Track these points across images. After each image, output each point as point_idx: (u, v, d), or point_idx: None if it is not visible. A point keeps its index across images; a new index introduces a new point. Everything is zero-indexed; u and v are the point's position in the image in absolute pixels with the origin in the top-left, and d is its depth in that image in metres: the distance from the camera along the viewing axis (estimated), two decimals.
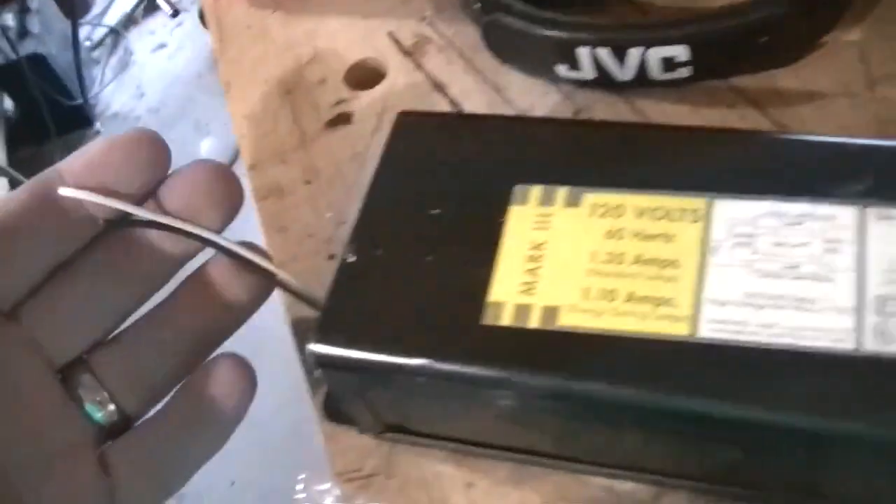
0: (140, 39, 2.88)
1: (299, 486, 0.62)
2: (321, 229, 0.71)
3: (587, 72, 0.71)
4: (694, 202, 0.55)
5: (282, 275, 0.62)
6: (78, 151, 0.47)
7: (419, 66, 0.78)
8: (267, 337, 2.12)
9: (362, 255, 0.57)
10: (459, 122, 0.65)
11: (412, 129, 0.62)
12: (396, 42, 0.80)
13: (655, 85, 0.71)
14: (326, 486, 0.61)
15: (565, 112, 0.73)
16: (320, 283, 0.65)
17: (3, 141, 2.46)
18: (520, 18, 0.71)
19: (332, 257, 0.70)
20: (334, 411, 0.64)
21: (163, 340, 0.52)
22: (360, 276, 0.56)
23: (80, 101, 2.59)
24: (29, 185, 0.47)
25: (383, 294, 0.56)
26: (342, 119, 0.77)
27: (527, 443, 0.58)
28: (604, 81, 0.72)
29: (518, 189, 0.57)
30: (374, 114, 0.76)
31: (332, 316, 0.56)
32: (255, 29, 0.85)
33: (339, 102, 0.78)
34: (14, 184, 2.35)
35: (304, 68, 0.81)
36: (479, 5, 0.74)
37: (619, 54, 0.70)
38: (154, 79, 2.76)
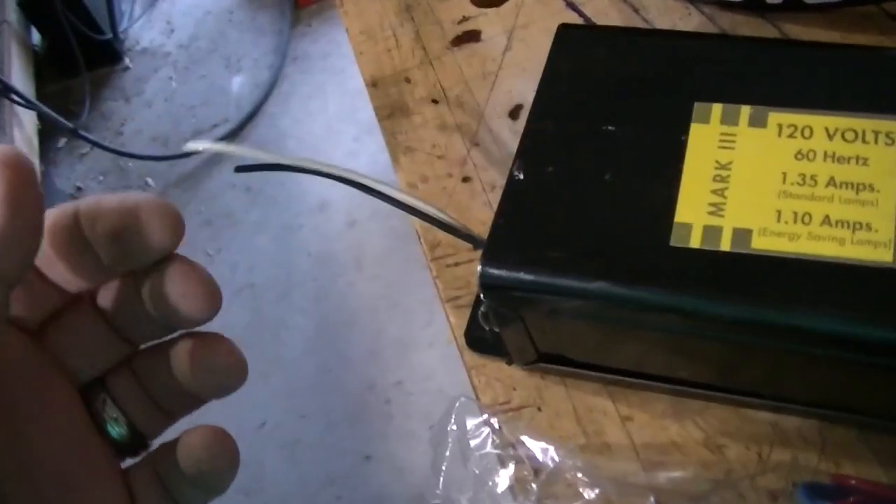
0: None
1: (450, 419, 0.59)
2: (452, 150, 0.68)
3: None
4: (888, 124, 0.51)
5: (412, 201, 0.58)
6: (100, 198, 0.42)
7: None
8: (295, 277, 2.11)
9: (531, 172, 0.53)
10: (626, 37, 0.61)
11: (575, 42, 0.59)
12: None
13: (805, 9, 0.67)
14: (477, 419, 0.58)
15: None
16: (455, 206, 0.62)
17: (31, 75, 2.42)
18: None
19: (466, 180, 0.66)
20: (479, 342, 0.61)
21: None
22: (530, 194, 0.53)
23: (109, 35, 2.53)
24: (56, 212, 0.43)
25: (557, 213, 0.52)
26: (469, 37, 0.73)
27: (691, 374, 0.55)
28: (752, 3, 0.68)
29: (698, 107, 0.54)
30: (504, 32, 0.72)
31: (501, 236, 0.52)
32: None
33: (464, 20, 0.74)
34: (42, 118, 2.32)
35: None
36: None
37: None
38: (184, 14, 2.70)
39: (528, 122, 0.56)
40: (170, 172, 2.39)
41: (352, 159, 2.24)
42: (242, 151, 0.59)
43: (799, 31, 0.68)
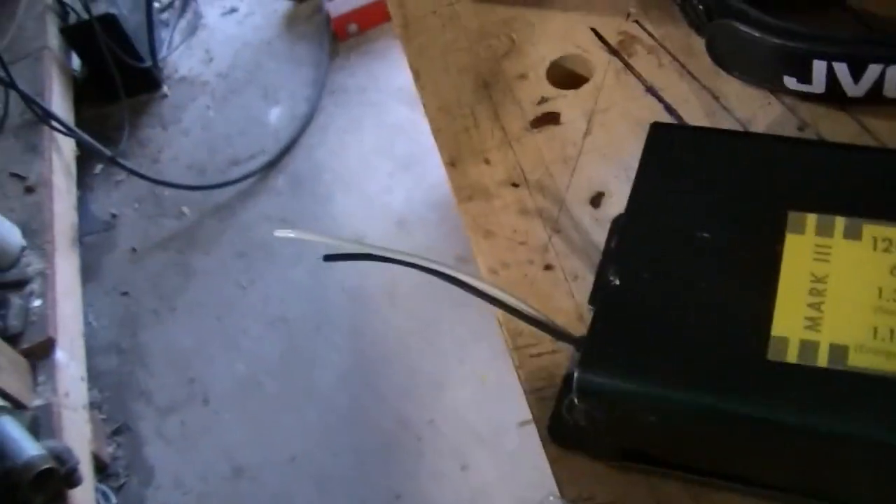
0: (210, 3, 2.84)
1: None
2: (533, 236, 0.68)
3: (817, 85, 0.68)
4: None
5: (495, 292, 0.58)
6: None
7: (627, 67, 0.74)
8: (330, 311, 2.11)
9: (627, 278, 0.54)
10: (719, 139, 0.62)
11: (667, 142, 0.59)
12: (600, 39, 0.76)
13: (887, 103, 0.68)
14: None
15: (788, 125, 0.69)
16: (537, 295, 0.62)
17: (71, 101, 2.43)
18: (753, 26, 0.68)
19: (548, 268, 0.66)
20: (563, 435, 0.61)
21: None
22: (627, 300, 0.53)
23: (148, 63, 2.55)
24: None
25: (653, 321, 0.52)
26: (549, 119, 0.73)
27: (781, 481, 0.55)
28: (832, 96, 0.69)
29: (793, 216, 0.54)
30: (583, 114, 0.73)
31: (599, 342, 0.52)
32: (442, 15, 0.81)
33: (543, 101, 0.75)
34: (80, 144, 2.33)
35: (501, 61, 0.77)
36: (702, 8, 0.71)
37: (857, 69, 0.66)
38: (223, 43, 2.72)
39: (624, 224, 0.56)
40: (205, 201, 2.40)
41: (387, 194, 2.24)
42: (331, 241, 0.59)
43: (882, 124, 0.68)
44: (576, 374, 0.51)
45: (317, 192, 2.32)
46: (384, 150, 2.36)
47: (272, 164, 2.42)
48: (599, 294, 0.53)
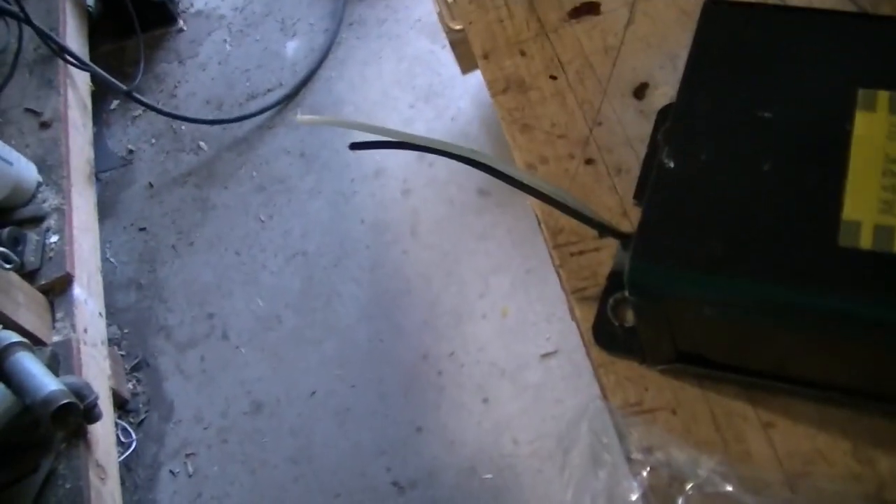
0: None
1: (583, 423, 0.55)
2: (574, 130, 0.64)
3: None
4: None
5: (537, 182, 0.54)
6: None
7: None
8: (350, 245, 2.08)
9: (683, 160, 0.50)
10: (778, 15, 0.57)
11: (723, 20, 0.55)
12: None
13: None
14: (608, 422, 0.54)
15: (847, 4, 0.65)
16: (578, 190, 0.58)
17: (85, 36, 2.38)
18: None
19: (589, 162, 0.62)
20: (608, 338, 0.57)
21: None
22: (683, 184, 0.49)
23: None
24: None
25: (712, 206, 0.48)
26: (588, 8, 0.69)
27: (845, 380, 0.51)
28: None
29: (863, 93, 0.50)
30: (625, 4, 0.68)
31: (652, 229, 0.48)
32: None
33: None
34: (96, 79, 2.29)
35: None
36: None
37: None
38: None
39: (678, 106, 0.52)
40: (223, 136, 2.37)
41: (407, 126, 2.20)
42: (357, 127, 0.55)
43: None
44: (628, 264, 0.47)
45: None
46: (404, 83, 2.31)
47: (290, 98, 2.38)
48: (652, 178, 0.49)
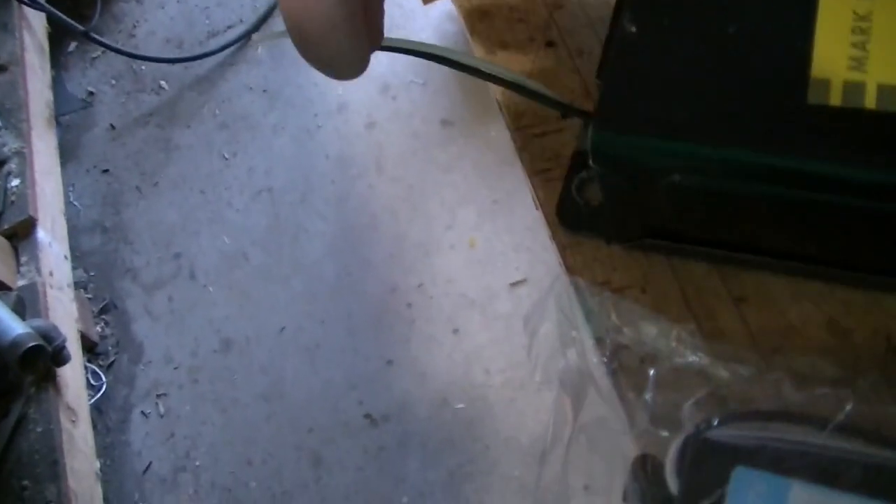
0: None
1: (547, 301, 0.54)
2: (533, 14, 0.62)
3: None
4: None
5: (494, 69, 0.52)
6: None
7: None
8: (315, 180, 2.06)
9: (645, 24, 0.48)
10: None
11: None
12: None
13: None
14: (574, 301, 0.53)
15: None
16: (539, 74, 0.56)
17: None
18: None
19: (550, 45, 0.60)
20: (572, 218, 0.56)
21: None
22: (646, 49, 0.48)
23: None
24: None
25: (677, 70, 0.47)
26: None
27: (817, 249, 0.50)
28: None
29: None
30: None
31: (616, 96, 0.47)
32: None
33: None
34: (52, 21, 2.23)
35: None
36: None
37: None
38: None
39: None
40: (185, 75, 2.33)
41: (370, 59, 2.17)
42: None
43: None
44: (591, 133, 0.46)
45: (298, 60, 2.21)
46: None
47: (251, 34, 2.34)
48: (613, 45, 0.47)
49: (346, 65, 0.46)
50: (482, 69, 0.52)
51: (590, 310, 0.51)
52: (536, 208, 0.57)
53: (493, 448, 1.67)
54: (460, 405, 1.72)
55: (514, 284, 1.80)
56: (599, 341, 0.51)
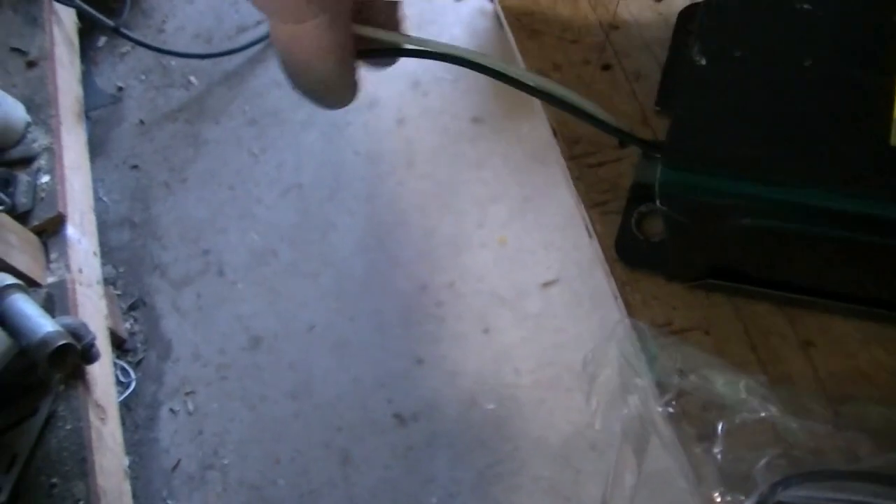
0: None
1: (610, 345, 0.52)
2: (587, 34, 0.60)
3: None
4: None
5: (551, 86, 0.50)
6: None
7: None
8: (344, 176, 2.04)
9: (716, 56, 0.46)
10: None
11: None
12: None
13: None
14: (636, 344, 0.51)
15: None
16: (594, 98, 0.54)
17: None
18: None
19: (606, 67, 0.58)
20: (632, 254, 0.54)
21: None
22: (716, 83, 0.46)
23: None
24: None
25: (750, 105, 0.45)
26: None
27: (889, 294, 0.48)
28: None
29: None
30: None
31: (685, 132, 0.45)
32: None
33: None
34: (82, 16, 2.22)
35: None
36: None
37: None
38: None
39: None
40: (214, 70, 2.32)
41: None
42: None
43: None
44: (659, 170, 0.44)
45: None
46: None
47: None
48: (684, 76, 0.45)
49: (335, 91, 0.45)
50: (539, 86, 0.50)
51: (653, 355, 0.49)
52: (590, 236, 0.55)
53: (523, 449, 1.66)
54: (490, 405, 1.71)
55: (545, 284, 1.78)
56: (661, 387, 0.49)
